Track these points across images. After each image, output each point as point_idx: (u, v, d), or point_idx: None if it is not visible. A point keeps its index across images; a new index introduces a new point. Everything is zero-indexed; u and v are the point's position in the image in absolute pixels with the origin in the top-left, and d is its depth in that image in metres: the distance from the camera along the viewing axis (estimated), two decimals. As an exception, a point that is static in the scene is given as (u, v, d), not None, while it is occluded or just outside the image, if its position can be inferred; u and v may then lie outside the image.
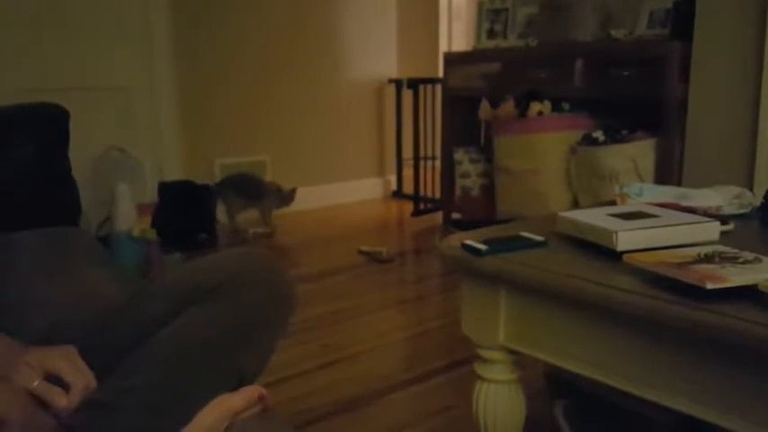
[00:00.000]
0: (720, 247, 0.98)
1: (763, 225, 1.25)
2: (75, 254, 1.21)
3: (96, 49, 3.28)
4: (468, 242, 1.10)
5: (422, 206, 4.07)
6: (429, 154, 4.14)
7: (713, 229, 1.06)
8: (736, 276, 0.84)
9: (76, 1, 3.21)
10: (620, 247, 1.00)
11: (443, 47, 5.39)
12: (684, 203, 1.26)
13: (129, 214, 2.94)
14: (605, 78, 2.77)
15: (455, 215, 3.67)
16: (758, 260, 0.90)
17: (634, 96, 2.70)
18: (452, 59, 3.57)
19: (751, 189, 1.47)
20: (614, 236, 1.00)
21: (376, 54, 4.47)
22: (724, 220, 1.15)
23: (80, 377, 0.83)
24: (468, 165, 3.50)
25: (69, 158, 1.38)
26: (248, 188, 3.56)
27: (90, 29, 3.26)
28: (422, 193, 4.10)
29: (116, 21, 3.34)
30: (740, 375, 0.83)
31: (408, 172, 4.27)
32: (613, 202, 1.33)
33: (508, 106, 3.04)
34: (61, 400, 0.80)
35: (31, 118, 1.36)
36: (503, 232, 1.20)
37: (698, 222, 1.06)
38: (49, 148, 1.35)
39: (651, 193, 1.32)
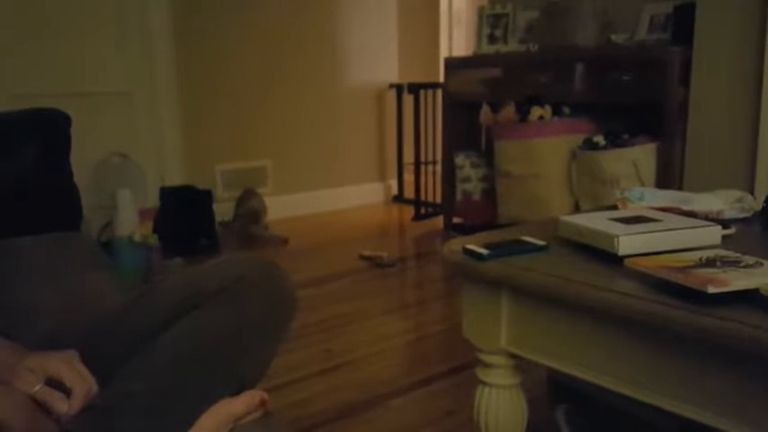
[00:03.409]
0: (722, 251, 0.98)
1: (764, 229, 1.24)
2: (76, 259, 1.21)
3: (97, 54, 3.29)
4: (470, 246, 1.10)
5: (423, 211, 4.07)
6: (430, 158, 4.14)
7: (714, 233, 1.06)
8: (737, 280, 0.84)
9: (77, 7, 3.22)
10: (621, 252, 0.99)
11: (444, 52, 5.40)
12: (685, 207, 1.26)
13: (131, 219, 2.94)
14: (606, 83, 2.78)
15: (456, 220, 3.67)
16: (760, 264, 0.90)
17: (635, 101, 2.71)
18: (453, 64, 3.58)
19: (752, 193, 1.47)
20: (615, 240, 1.00)
21: (377, 59, 4.48)
22: (725, 224, 1.15)
23: (81, 382, 0.83)
24: (469, 169, 3.51)
25: (71, 164, 1.38)
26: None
27: (91, 34, 3.27)
28: (423, 197, 4.10)
29: (117, 25, 3.35)
30: (742, 379, 0.83)
31: (409, 177, 4.27)
32: (615, 207, 1.33)
33: (509, 111, 3.05)
34: (62, 406, 0.80)
35: (33, 123, 1.36)
36: (504, 236, 1.20)
37: (699, 226, 1.06)
38: (51, 154, 1.35)
39: (652, 198, 1.31)
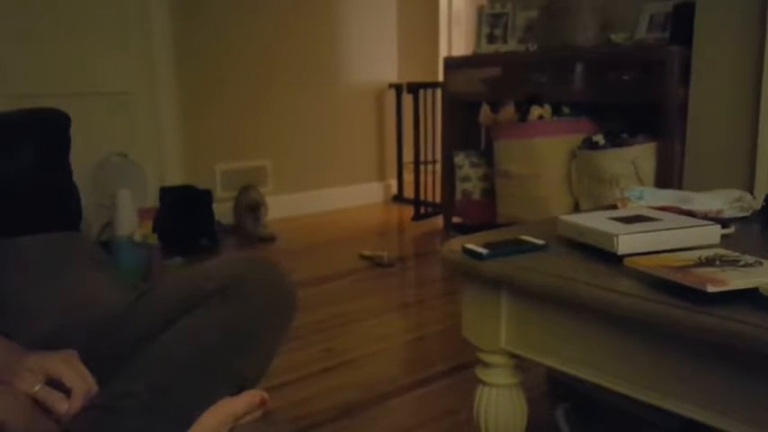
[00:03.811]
0: (721, 251, 0.98)
1: (763, 228, 1.25)
2: (76, 259, 1.21)
3: (97, 54, 3.29)
4: (470, 246, 1.10)
5: (422, 210, 4.07)
6: (429, 158, 4.14)
7: (714, 232, 1.06)
8: (737, 279, 0.84)
9: (77, 6, 3.22)
10: (620, 251, 1.00)
11: (443, 51, 5.40)
12: (685, 207, 1.26)
13: (131, 219, 2.94)
14: (605, 82, 2.78)
15: (456, 219, 3.67)
16: (759, 263, 0.90)
17: (634, 100, 2.71)
18: (452, 64, 3.58)
19: (751, 192, 1.47)
20: (615, 239, 1.00)
21: (376, 59, 4.48)
22: (725, 223, 1.15)
23: (81, 382, 0.83)
24: (468, 169, 3.51)
25: (70, 163, 1.38)
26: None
27: (91, 34, 3.27)
28: (422, 197, 4.10)
29: (117, 26, 3.35)
30: (741, 378, 0.83)
31: (409, 176, 4.27)
32: (614, 206, 1.33)
33: (508, 110, 3.05)
34: (62, 405, 0.80)
35: (33, 123, 1.36)
36: (504, 236, 1.20)
37: (699, 226, 1.06)
38: (51, 154, 1.35)
39: (652, 197, 1.32)
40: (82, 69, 3.24)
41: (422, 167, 4.11)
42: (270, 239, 3.53)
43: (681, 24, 2.61)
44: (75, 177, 1.40)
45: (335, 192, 4.33)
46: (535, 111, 2.93)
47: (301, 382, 1.92)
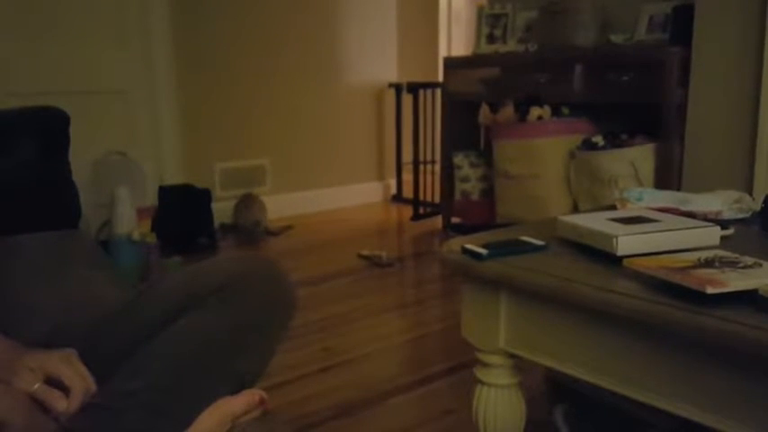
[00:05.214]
0: (721, 252, 0.98)
1: (762, 230, 1.25)
2: (75, 257, 1.21)
3: (96, 52, 3.29)
4: (469, 246, 1.10)
5: (421, 210, 4.07)
6: (429, 158, 4.14)
7: (713, 233, 1.06)
8: (736, 281, 0.84)
9: (76, 4, 3.21)
10: (620, 252, 1.00)
11: (443, 51, 5.40)
12: (684, 208, 1.26)
13: (129, 218, 2.94)
14: (605, 83, 2.78)
15: (455, 219, 3.67)
16: (758, 265, 0.90)
17: (634, 101, 2.71)
18: (452, 64, 3.58)
19: (750, 193, 1.47)
20: (614, 240, 1.00)
21: (376, 58, 4.48)
22: (724, 224, 1.15)
23: (80, 381, 0.83)
24: (467, 169, 3.51)
25: (70, 162, 1.38)
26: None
27: (90, 32, 3.26)
28: (421, 197, 4.10)
29: (116, 24, 3.35)
30: (740, 380, 0.83)
31: (408, 176, 4.27)
32: (613, 207, 1.33)
33: (508, 111, 3.05)
34: (61, 404, 0.80)
35: (32, 121, 1.36)
36: (503, 236, 1.20)
37: (698, 227, 1.06)
38: (50, 152, 1.35)
39: (651, 198, 1.32)
40: (81, 67, 3.24)
41: (421, 167, 4.11)
42: (283, 231, 3.53)
43: (680, 25, 2.61)
44: (74, 175, 1.40)
45: (334, 191, 4.33)
46: (534, 111, 2.93)
47: (300, 381, 1.92)
